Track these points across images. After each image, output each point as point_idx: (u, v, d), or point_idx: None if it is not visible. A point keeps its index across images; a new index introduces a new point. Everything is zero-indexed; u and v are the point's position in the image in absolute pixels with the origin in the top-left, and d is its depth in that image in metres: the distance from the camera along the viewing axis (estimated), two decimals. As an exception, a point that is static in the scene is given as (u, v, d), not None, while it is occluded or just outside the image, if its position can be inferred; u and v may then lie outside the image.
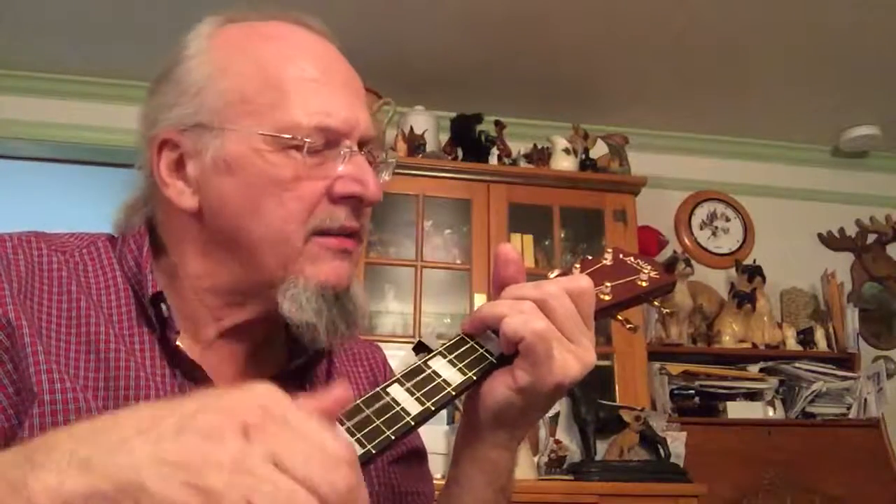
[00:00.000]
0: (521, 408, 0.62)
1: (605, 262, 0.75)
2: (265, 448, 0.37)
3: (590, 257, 0.75)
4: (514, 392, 0.61)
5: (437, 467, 1.74)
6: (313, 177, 0.66)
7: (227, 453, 0.36)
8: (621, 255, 0.76)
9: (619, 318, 0.75)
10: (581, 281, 0.64)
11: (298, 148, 0.65)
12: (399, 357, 2.10)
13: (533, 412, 0.65)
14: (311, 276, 0.65)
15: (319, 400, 0.43)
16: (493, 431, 0.65)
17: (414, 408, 0.55)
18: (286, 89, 0.66)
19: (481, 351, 0.62)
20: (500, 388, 0.62)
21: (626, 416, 2.33)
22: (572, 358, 0.61)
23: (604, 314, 0.70)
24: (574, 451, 2.38)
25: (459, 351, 0.62)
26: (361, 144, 0.69)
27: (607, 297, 0.70)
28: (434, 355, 0.61)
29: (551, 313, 0.61)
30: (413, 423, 0.55)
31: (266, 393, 0.40)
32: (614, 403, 2.40)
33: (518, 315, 0.60)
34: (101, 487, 0.37)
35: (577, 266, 0.73)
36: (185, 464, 0.36)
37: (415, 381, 0.58)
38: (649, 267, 0.75)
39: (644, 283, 0.73)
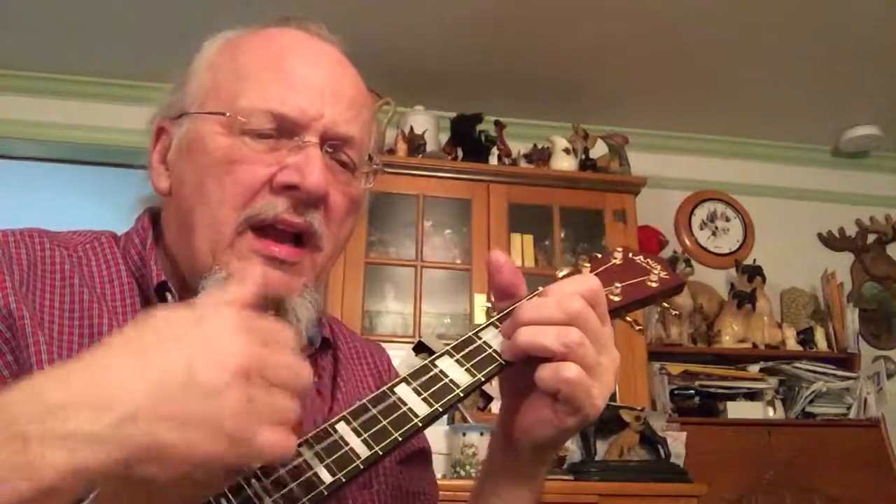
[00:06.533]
0: (564, 437, 0.63)
1: (614, 261, 0.73)
2: (262, 379, 0.42)
3: (599, 255, 0.73)
4: (558, 430, 0.60)
5: (437, 467, 1.74)
6: (258, 162, 0.65)
7: (238, 399, 0.40)
8: (631, 255, 0.74)
9: (628, 319, 0.73)
10: (592, 281, 0.62)
11: (250, 133, 0.66)
12: (399, 357, 2.10)
13: (574, 432, 0.65)
14: (235, 271, 0.64)
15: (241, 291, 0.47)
16: (533, 452, 0.64)
17: (422, 409, 0.54)
18: (251, 77, 0.67)
19: (489, 351, 0.60)
20: (543, 425, 0.61)
21: (626, 416, 2.33)
22: (608, 375, 0.60)
23: (613, 315, 0.68)
24: (574, 451, 2.37)
25: (467, 350, 0.60)
26: (325, 141, 0.68)
27: (617, 298, 0.68)
28: (441, 355, 0.59)
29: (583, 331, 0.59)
30: (421, 425, 0.54)
31: (239, 325, 0.43)
32: (614, 403, 2.39)
33: (548, 366, 0.57)
34: (121, 456, 0.37)
35: (587, 264, 0.71)
36: (202, 417, 0.39)
37: (422, 380, 0.57)
38: (659, 267, 0.74)
39: (654, 284, 0.71)
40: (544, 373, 0.57)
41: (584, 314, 0.58)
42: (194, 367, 0.40)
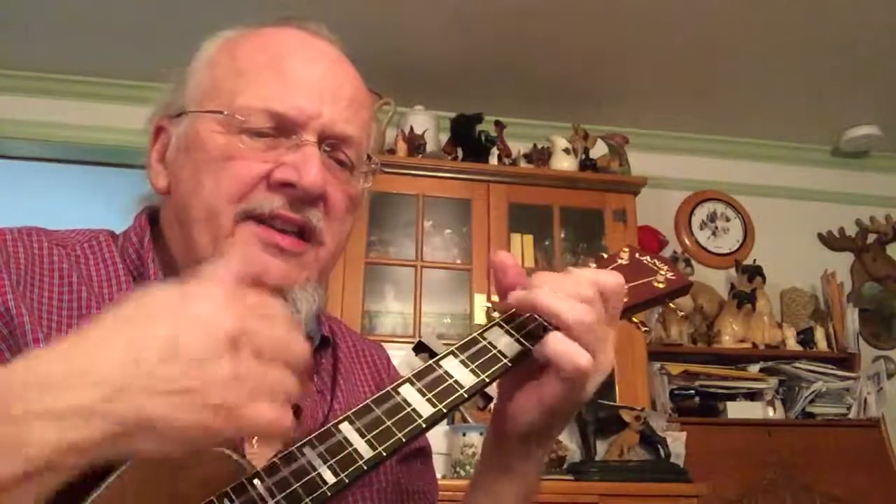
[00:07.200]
0: (550, 424, 0.62)
1: (621, 261, 0.72)
2: (252, 350, 0.41)
3: (605, 255, 0.73)
4: (542, 412, 0.60)
5: (437, 467, 1.73)
6: (255, 159, 0.66)
7: (226, 370, 0.39)
8: (637, 255, 0.74)
9: (635, 320, 0.72)
10: (617, 278, 0.62)
11: (248, 132, 0.66)
12: (399, 357, 2.10)
13: (560, 424, 0.65)
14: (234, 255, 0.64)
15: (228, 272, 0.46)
16: (521, 444, 0.64)
17: (426, 409, 0.54)
18: (250, 76, 0.68)
19: (494, 352, 0.60)
20: (528, 408, 0.61)
21: (626, 416, 2.33)
22: (598, 370, 0.60)
23: (620, 316, 0.67)
24: (574, 451, 2.37)
25: (471, 351, 0.60)
26: (324, 140, 0.68)
27: (624, 299, 0.67)
28: (445, 355, 0.59)
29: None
30: (424, 426, 0.53)
31: (227, 297, 0.42)
32: (614, 403, 2.39)
33: (563, 341, 0.57)
34: (110, 431, 0.37)
35: (593, 264, 0.71)
36: (188, 389, 0.38)
37: (426, 381, 0.56)
38: (666, 267, 0.73)
39: (661, 285, 0.71)
40: (560, 347, 0.57)
41: (596, 306, 0.58)
42: (178, 338, 0.39)
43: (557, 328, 0.58)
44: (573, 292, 0.58)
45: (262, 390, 0.41)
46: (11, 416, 0.37)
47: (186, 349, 0.39)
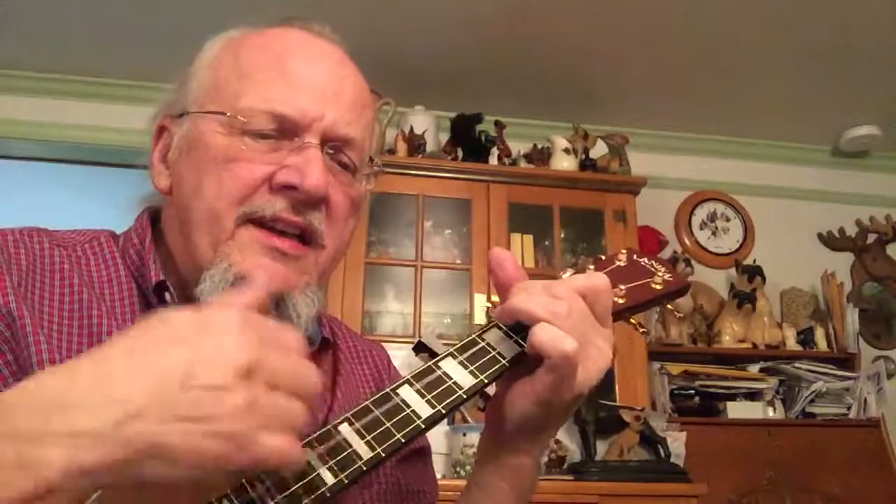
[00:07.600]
0: (543, 417, 0.62)
1: (619, 263, 0.73)
2: (265, 381, 0.41)
3: (603, 258, 0.74)
4: (535, 404, 0.60)
5: (437, 467, 1.73)
6: (257, 161, 0.65)
7: (239, 399, 0.40)
8: (635, 257, 0.75)
9: (633, 321, 0.73)
10: (598, 279, 0.62)
11: (251, 133, 0.66)
12: (399, 357, 2.10)
13: (554, 420, 0.64)
14: (236, 262, 0.64)
15: (242, 295, 0.47)
16: (515, 439, 0.64)
17: (424, 411, 0.54)
18: (253, 77, 0.68)
19: (493, 353, 0.60)
20: (520, 399, 0.61)
21: (626, 416, 2.33)
22: (590, 364, 0.60)
23: (617, 317, 0.68)
24: (574, 451, 2.38)
25: (471, 352, 0.60)
26: (326, 142, 0.67)
27: (622, 300, 0.68)
28: (445, 356, 0.59)
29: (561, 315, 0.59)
30: (423, 427, 0.54)
31: (242, 326, 0.42)
32: (614, 403, 2.40)
33: (548, 329, 0.57)
34: (120, 456, 0.37)
35: (592, 266, 0.72)
36: (203, 417, 0.39)
37: (425, 382, 0.56)
38: (663, 269, 0.74)
39: (658, 286, 0.72)
40: (546, 335, 0.57)
41: (570, 299, 0.59)
42: (194, 366, 0.40)
43: None
44: (546, 293, 0.60)
45: (275, 420, 0.41)
46: (22, 437, 0.37)
47: (200, 378, 0.39)
